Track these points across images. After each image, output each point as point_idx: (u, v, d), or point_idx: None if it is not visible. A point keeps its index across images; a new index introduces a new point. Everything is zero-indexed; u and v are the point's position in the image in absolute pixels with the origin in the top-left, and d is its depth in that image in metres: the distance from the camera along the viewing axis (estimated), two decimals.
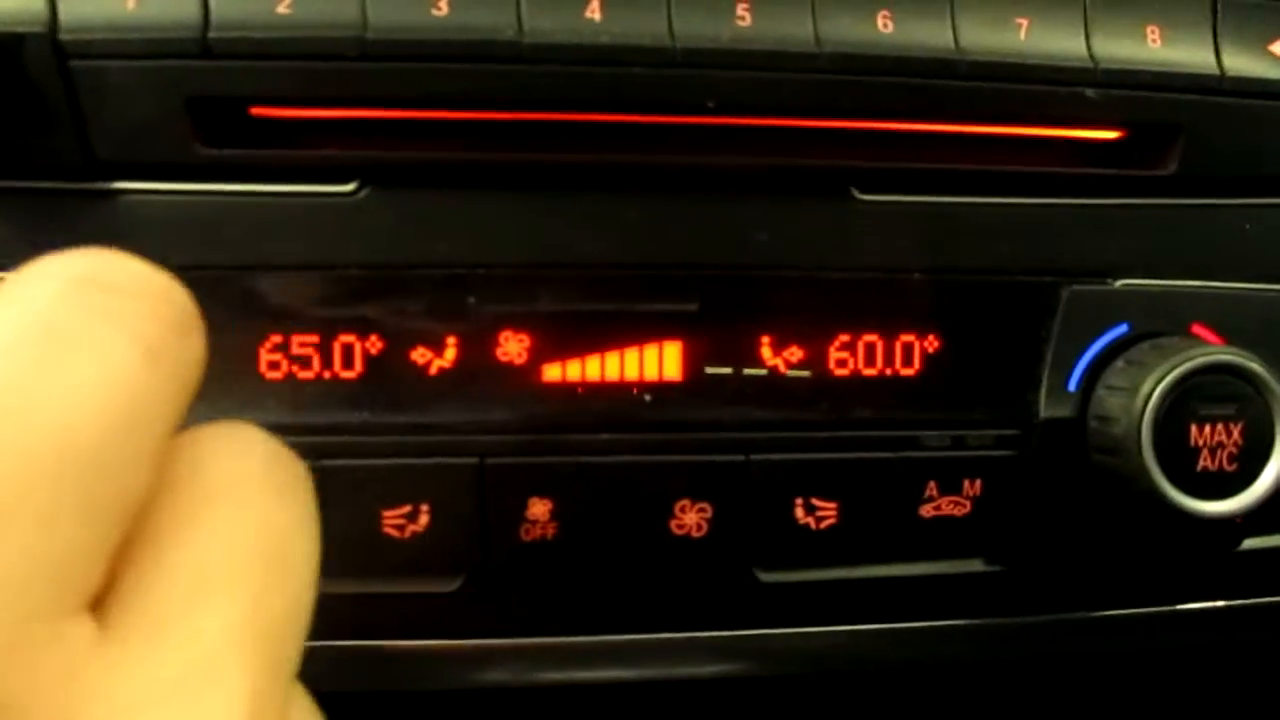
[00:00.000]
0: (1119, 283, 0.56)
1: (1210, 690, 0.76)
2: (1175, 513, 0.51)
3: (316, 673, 0.54)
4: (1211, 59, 0.55)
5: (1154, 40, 0.55)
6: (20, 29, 0.48)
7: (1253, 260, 0.57)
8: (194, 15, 0.49)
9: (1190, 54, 0.55)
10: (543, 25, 0.50)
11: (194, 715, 0.28)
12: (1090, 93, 0.54)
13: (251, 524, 0.31)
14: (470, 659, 0.55)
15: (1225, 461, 0.51)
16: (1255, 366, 0.51)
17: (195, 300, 0.50)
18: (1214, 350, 0.52)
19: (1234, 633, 0.61)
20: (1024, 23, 0.54)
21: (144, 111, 0.50)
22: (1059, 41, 0.54)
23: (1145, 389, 0.51)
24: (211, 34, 0.49)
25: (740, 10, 0.52)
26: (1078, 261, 0.55)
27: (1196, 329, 0.56)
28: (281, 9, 0.50)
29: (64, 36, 0.48)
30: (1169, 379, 0.51)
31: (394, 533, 0.52)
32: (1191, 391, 0.51)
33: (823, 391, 0.54)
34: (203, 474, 0.31)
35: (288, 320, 0.51)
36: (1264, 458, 0.51)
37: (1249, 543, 0.58)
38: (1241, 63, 0.56)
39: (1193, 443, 0.51)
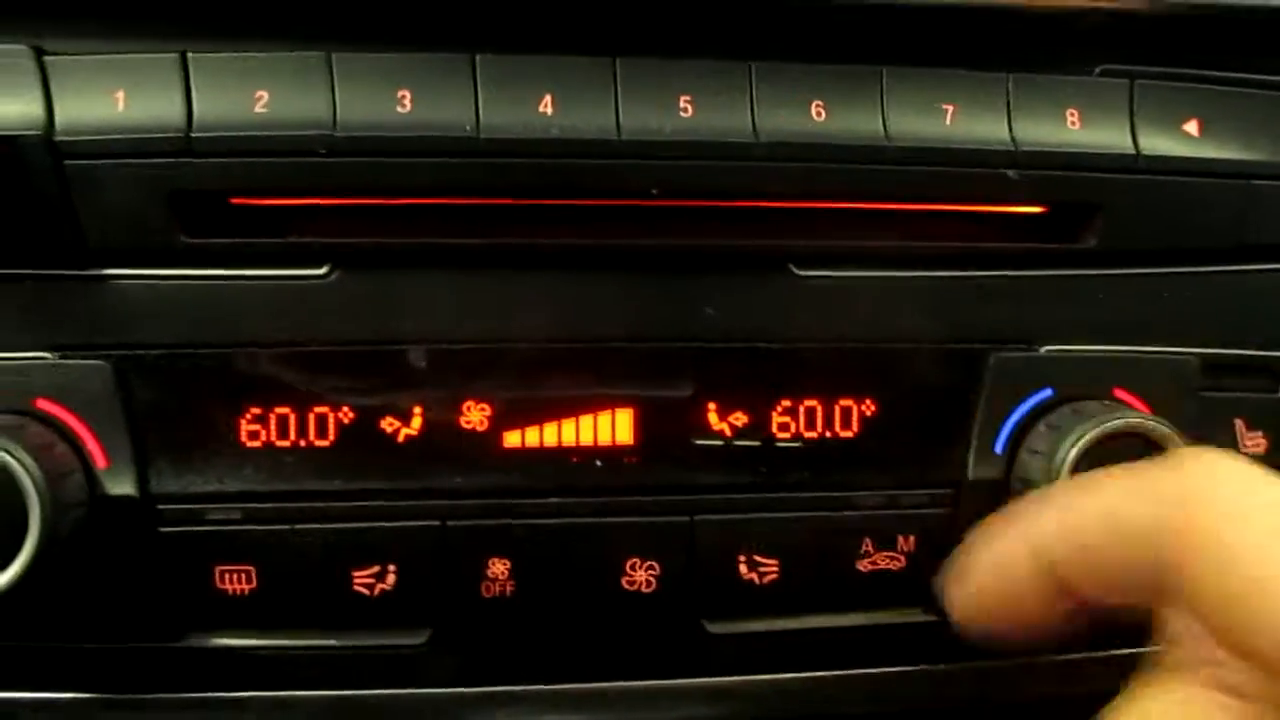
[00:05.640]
0: (1043, 349, 0.59)
1: None
2: None
3: None
4: (1128, 139, 0.59)
5: (1073, 123, 0.59)
6: (19, 132, 0.53)
7: (1171, 326, 0.61)
8: (178, 117, 0.53)
9: (1108, 135, 0.59)
10: (498, 120, 0.55)
11: None
12: (1012, 174, 0.58)
13: None
14: (438, 707, 0.59)
15: None
16: (1165, 430, 0.55)
17: (181, 376, 0.55)
18: (1126, 415, 0.55)
19: None
20: (950, 109, 0.58)
21: (132, 205, 0.54)
22: (983, 126, 0.58)
23: (1061, 453, 0.54)
24: (194, 134, 0.53)
25: (683, 103, 0.56)
26: (1004, 330, 0.59)
27: (1118, 393, 0.59)
28: (259, 109, 0.54)
29: (60, 138, 0.53)
30: (1082, 444, 0.54)
31: (364, 591, 0.56)
32: (1105, 455, 0.54)
33: (765, 455, 0.58)
34: None
35: (266, 393, 0.56)
36: None
37: None
38: (1156, 142, 0.60)
39: None
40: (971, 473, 0.58)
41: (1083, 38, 0.60)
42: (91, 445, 0.54)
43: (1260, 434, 0.61)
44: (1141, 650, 0.62)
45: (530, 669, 0.59)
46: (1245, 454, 0.61)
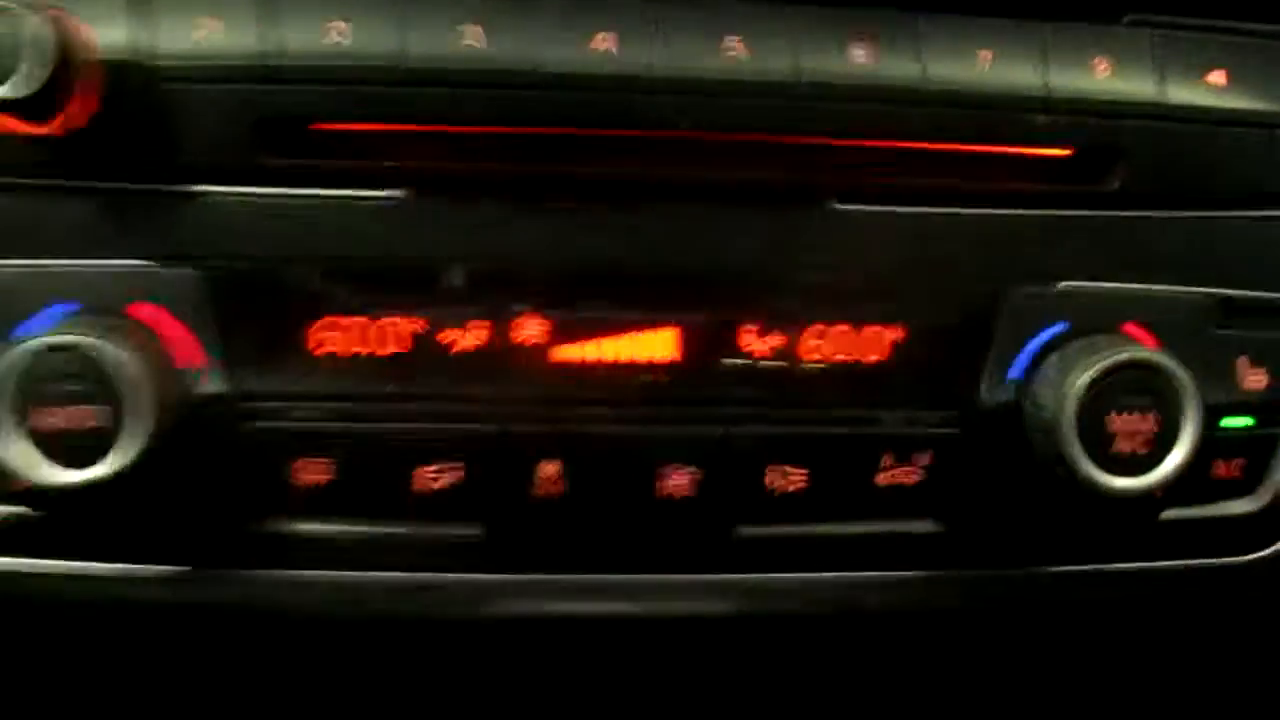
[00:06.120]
0: (1060, 285, 0.63)
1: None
2: (1093, 487, 0.59)
3: (364, 600, 0.65)
4: (1153, 88, 0.62)
5: (1102, 70, 0.62)
6: (120, 57, 0.57)
7: (1187, 266, 0.64)
8: (264, 45, 0.58)
9: (1134, 83, 0.62)
10: (557, 56, 0.59)
11: None
12: (1041, 118, 0.61)
13: None
14: (489, 591, 0.65)
15: (1140, 445, 0.59)
16: (1166, 363, 0.59)
17: (267, 286, 0.60)
18: (1132, 349, 0.59)
19: (1155, 590, 0.69)
20: (987, 55, 0.61)
21: (220, 126, 0.59)
22: (1016, 72, 0.61)
23: (1070, 381, 0.59)
24: (278, 62, 0.58)
25: (730, 42, 0.60)
26: (1024, 265, 0.63)
27: (1129, 327, 0.63)
28: (336, 38, 0.58)
29: (156, 63, 0.57)
30: (1091, 373, 0.58)
31: (427, 486, 0.62)
32: (1112, 384, 0.59)
33: (795, 374, 0.62)
34: None
35: (343, 304, 0.61)
36: (1172, 443, 0.59)
37: (1169, 513, 0.66)
38: (1180, 92, 0.63)
39: (1110, 429, 0.59)
40: (986, 397, 0.63)
41: None
42: (187, 347, 0.59)
43: (1262, 370, 0.65)
44: (1138, 564, 0.68)
45: (575, 562, 0.65)
46: (1245, 388, 0.65)
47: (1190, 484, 0.63)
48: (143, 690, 0.83)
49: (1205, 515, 0.67)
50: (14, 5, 0.53)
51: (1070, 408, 0.59)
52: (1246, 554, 0.69)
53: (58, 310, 0.60)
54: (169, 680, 0.83)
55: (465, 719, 0.86)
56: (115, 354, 0.54)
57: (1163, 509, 0.65)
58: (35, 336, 0.55)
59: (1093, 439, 0.59)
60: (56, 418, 0.55)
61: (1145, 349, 0.60)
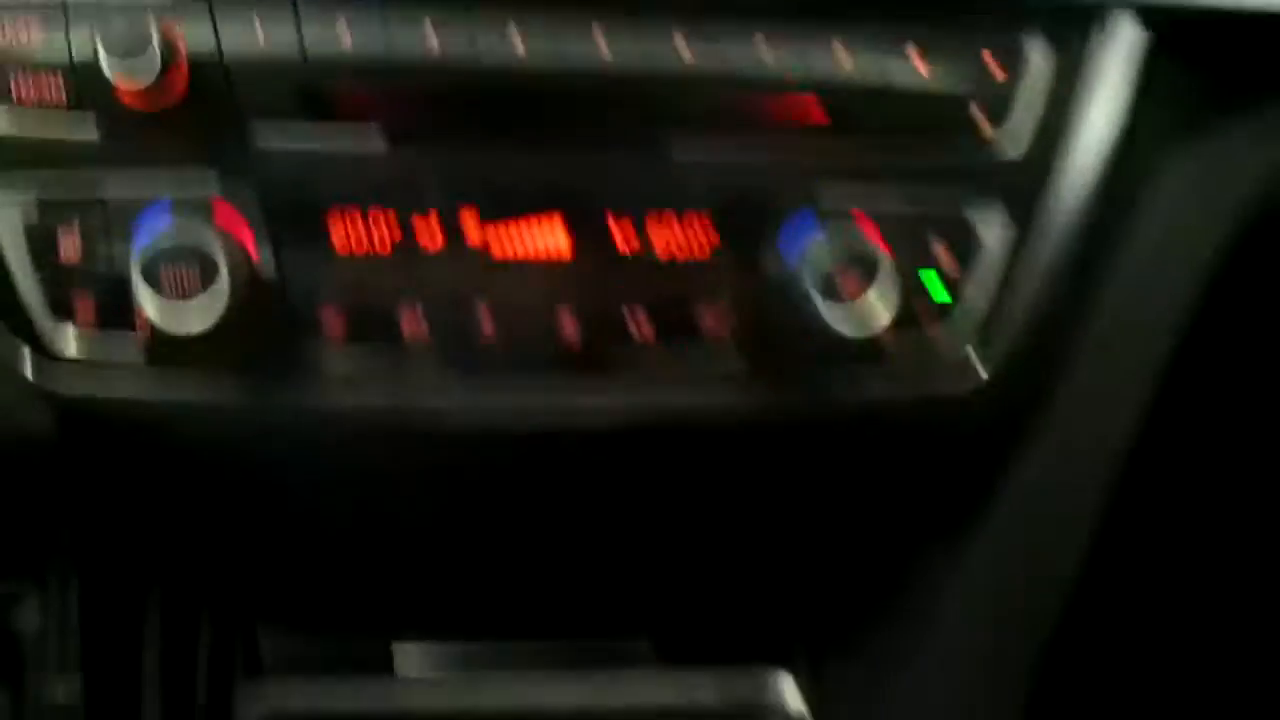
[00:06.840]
0: (823, 188, 0.97)
1: None
2: (832, 331, 0.93)
3: (367, 408, 0.98)
4: (877, 69, 0.96)
5: (844, 57, 0.96)
6: (203, 56, 0.90)
7: (903, 180, 0.99)
8: (295, 46, 0.91)
9: (861, 66, 0.96)
10: (490, 54, 0.92)
11: None
12: (808, 91, 0.95)
13: None
14: (437, 388, 0.98)
15: (856, 295, 0.93)
16: (871, 246, 0.93)
17: (301, 203, 0.93)
18: (850, 235, 0.93)
19: (893, 410, 1.04)
20: (772, 54, 0.95)
21: (266, 99, 0.92)
22: (792, 63, 0.95)
23: (806, 254, 0.93)
24: (308, 54, 0.91)
25: (598, 39, 0.93)
26: (796, 181, 0.97)
27: (860, 219, 0.97)
28: (345, 45, 0.91)
29: (225, 59, 0.91)
30: (809, 254, 0.92)
31: (407, 330, 0.95)
32: (839, 252, 0.92)
33: (644, 254, 0.97)
34: None
35: (349, 213, 0.94)
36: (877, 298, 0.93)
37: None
38: (887, 67, 0.97)
39: (838, 285, 0.93)
40: (768, 268, 0.96)
41: None
42: (251, 243, 0.93)
43: (953, 257, 1.00)
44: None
45: (505, 384, 0.99)
46: (943, 269, 0.99)
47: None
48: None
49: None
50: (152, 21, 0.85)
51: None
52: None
53: (160, 205, 0.92)
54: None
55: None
56: (215, 233, 0.88)
57: (885, 347, 0.99)
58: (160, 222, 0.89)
59: (828, 291, 0.93)
60: (173, 277, 0.88)
61: (861, 235, 0.94)
